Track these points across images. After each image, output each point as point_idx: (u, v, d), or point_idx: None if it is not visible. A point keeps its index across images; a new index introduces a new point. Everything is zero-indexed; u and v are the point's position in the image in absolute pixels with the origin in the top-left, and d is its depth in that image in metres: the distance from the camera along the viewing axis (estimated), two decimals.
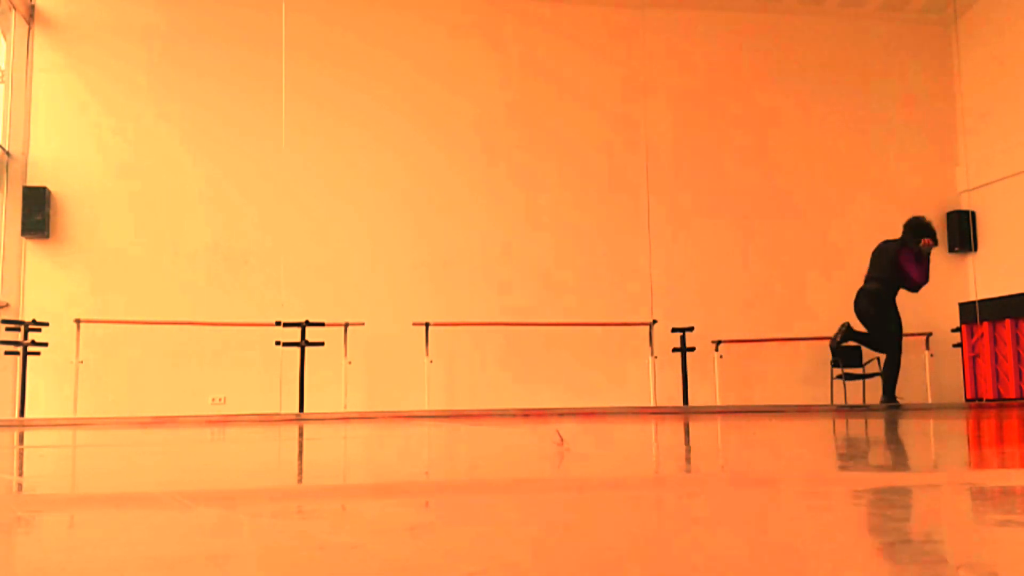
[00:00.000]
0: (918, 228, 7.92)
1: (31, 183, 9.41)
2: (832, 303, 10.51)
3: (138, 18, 9.96)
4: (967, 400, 9.83)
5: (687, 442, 3.37)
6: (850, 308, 10.52)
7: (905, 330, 10.07)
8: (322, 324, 8.74)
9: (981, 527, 1.14)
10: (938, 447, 3.00)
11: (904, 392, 10.05)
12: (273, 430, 4.92)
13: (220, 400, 9.38)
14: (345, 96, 10.15)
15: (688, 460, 2.51)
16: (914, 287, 7.87)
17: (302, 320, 8.68)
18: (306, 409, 8.40)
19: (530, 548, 1.01)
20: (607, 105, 10.65)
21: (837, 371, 9.92)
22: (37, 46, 9.71)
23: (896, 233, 11.11)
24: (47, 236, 9.38)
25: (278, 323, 8.69)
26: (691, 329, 9.15)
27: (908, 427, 4.36)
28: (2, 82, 9.65)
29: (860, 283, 10.70)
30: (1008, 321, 9.49)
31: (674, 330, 9.16)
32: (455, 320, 9.35)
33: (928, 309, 10.46)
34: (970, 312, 9.99)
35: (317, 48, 10.16)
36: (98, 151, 9.69)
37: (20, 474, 2.35)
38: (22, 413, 8.03)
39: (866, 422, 4.91)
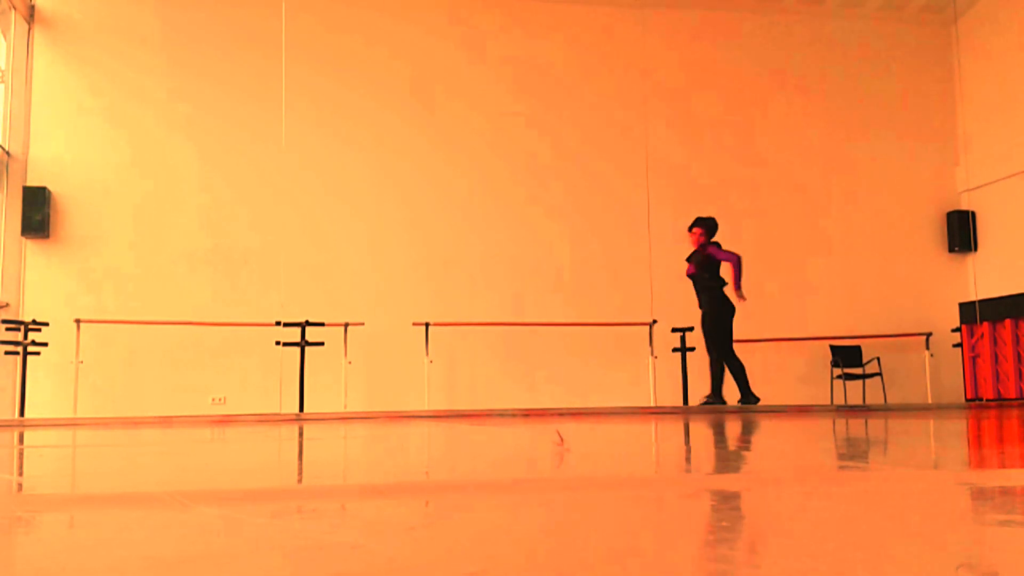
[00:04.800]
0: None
1: (31, 183, 9.41)
2: (832, 303, 10.52)
3: (138, 18, 9.96)
4: (967, 400, 9.83)
5: (687, 442, 3.37)
6: (850, 308, 10.53)
7: (905, 330, 10.10)
8: (322, 324, 8.74)
9: (981, 527, 1.14)
10: (938, 447, 3.00)
11: (904, 392, 10.08)
12: (273, 430, 4.92)
13: (220, 400, 9.38)
14: (345, 98, 10.15)
15: (688, 460, 2.51)
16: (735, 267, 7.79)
17: (302, 320, 8.68)
18: (306, 409, 8.40)
19: (530, 548, 1.01)
20: (607, 105, 10.64)
21: (837, 371, 9.92)
22: (37, 46, 9.71)
23: (900, 232, 11.12)
24: (47, 236, 9.38)
25: (278, 323, 8.69)
26: (691, 329, 9.13)
27: (908, 427, 4.36)
28: (2, 82, 9.65)
29: (860, 283, 10.72)
30: (1008, 321, 9.49)
31: (674, 330, 9.15)
32: (455, 320, 9.35)
33: (928, 309, 10.47)
34: (970, 312, 9.99)
35: (317, 50, 10.16)
36: (98, 151, 9.70)
37: (20, 474, 2.35)
38: (22, 413, 8.02)
39: (866, 422, 4.91)
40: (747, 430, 4.19)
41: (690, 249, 8.17)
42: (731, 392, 8.03)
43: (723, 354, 7.79)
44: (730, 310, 7.83)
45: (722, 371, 7.83)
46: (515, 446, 3.21)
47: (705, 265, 7.88)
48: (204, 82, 9.95)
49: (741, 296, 7.77)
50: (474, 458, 2.71)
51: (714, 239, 7.98)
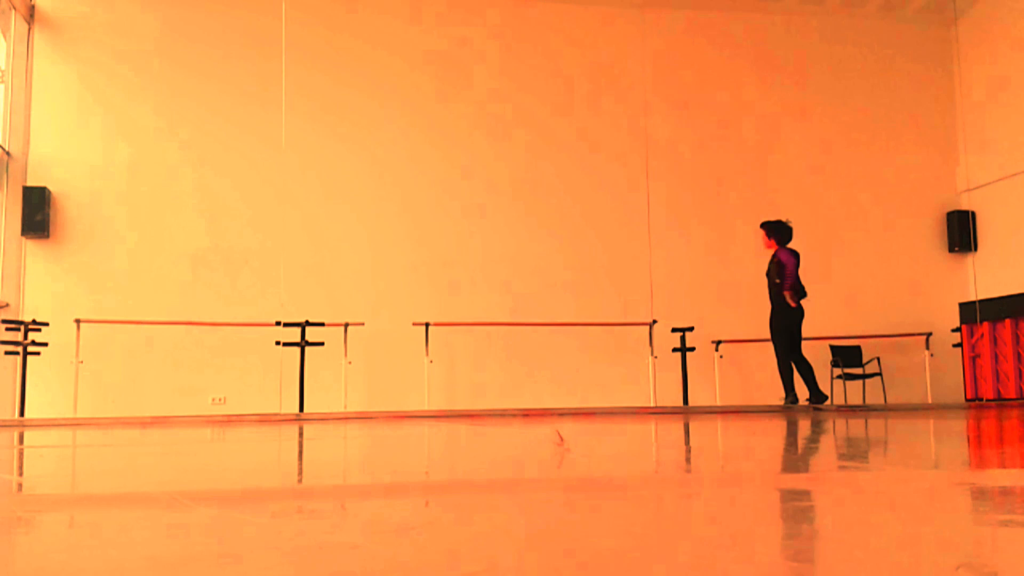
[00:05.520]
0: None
1: (31, 183, 9.41)
2: (833, 303, 10.51)
3: (138, 19, 9.96)
4: (967, 400, 9.83)
5: (687, 442, 3.37)
6: (850, 308, 10.52)
7: (905, 330, 10.11)
8: (322, 324, 8.74)
9: (981, 527, 1.14)
10: (938, 447, 3.00)
11: (904, 392, 10.08)
12: (273, 430, 4.92)
13: (220, 400, 9.38)
14: (345, 98, 10.15)
15: (688, 461, 2.51)
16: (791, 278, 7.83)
17: (302, 320, 8.68)
18: (306, 409, 8.40)
19: (530, 548, 1.01)
20: (607, 105, 10.64)
21: (837, 371, 9.92)
22: (37, 46, 9.71)
23: (900, 232, 11.10)
24: (47, 236, 9.38)
25: (278, 323, 8.69)
26: (691, 329, 9.14)
27: (908, 427, 4.37)
28: (2, 82, 9.65)
29: (860, 283, 10.71)
30: (1008, 321, 9.49)
31: (674, 330, 9.15)
32: (455, 320, 9.35)
33: (928, 309, 10.47)
34: (970, 312, 9.98)
35: (317, 50, 10.16)
36: (98, 151, 9.69)
37: (20, 474, 2.35)
38: (22, 413, 8.02)
39: (866, 422, 4.91)
40: (745, 430, 4.20)
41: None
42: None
43: (789, 355, 7.80)
44: (791, 313, 7.78)
45: (790, 371, 7.83)
46: (515, 446, 3.21)
47: (773, 269, 7.93)
48: (204, 82, 9.95)
49: (789, 299, 7.76)
50: (474, 458, 2.71)
51: (788, 244, 8.00)
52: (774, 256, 8.01)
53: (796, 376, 7.85)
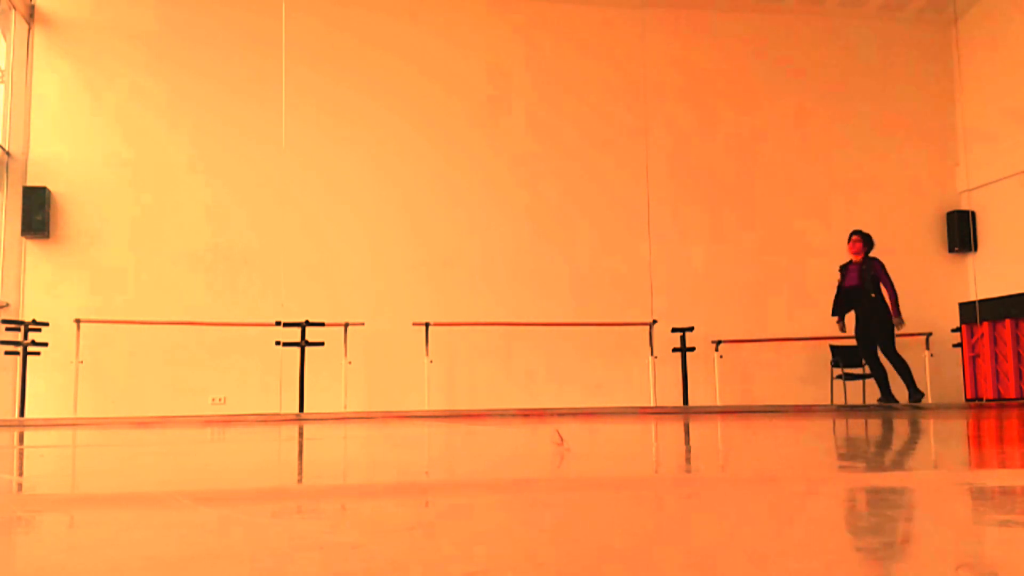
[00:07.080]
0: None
1: (31, 183, 9.41)
2: (832, 303, 10.50)
3: (138, 19, 9.96)
4: (967, 400, 9.83)
5: (687, 442, 3.37)
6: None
7: (905, 330, 10.10)
8: (322, 324, 8.74)
9: (981, 527, 1.14)
10: (938, 447, 3.00)
11: (904, 392, 10.05)
12: (273, 430, 4.93)
13: (220, 400, 9.38)
14: (345, 98, 10.15)
15: (688, 460, 2.51)
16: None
17: (302, 320, 8.68)
18: (306, 409, 8.40)
19: (530, 548, 1.01)
20: (607, 105, 10.64)
21: (837, 371, 9.91)
22: (37, 46, 9.71)
23: (900, 232, 11.10)
24: (47, 236, 9.38)
25: (278, 323, 8.69)
26: (691, 329, 9.14)
27: (908, 427, 4.36)
28: (2, 82, 9.65)
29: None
30: (1008, 321, 9.49)
31: (674, 330, 9.15)
32: (455, 320, 9.35)
33: (928, 309, 10.46)
34: (970, 312, 9.98)
35: (317, 50, 10.16)
36: (98, 151, 9.69)
37: (20, 474, 2.35)
38: (22, 413, 8.03)
39: (866, 422, 4.91)
40: (745, 431, 4.20)
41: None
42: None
43: (893, 355, 8.29)
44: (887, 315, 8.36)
45: (886, 372, 8.39)
46: (515, 446, 3.21)
47: (871, 279, 8.37)
48: (204, 82, 9.95)
49: (901, 323, 8.38)
50: (474, 458, 2.71)
51: (873, 255, 8.47)
52: (867, 266, 8.35)
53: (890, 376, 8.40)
